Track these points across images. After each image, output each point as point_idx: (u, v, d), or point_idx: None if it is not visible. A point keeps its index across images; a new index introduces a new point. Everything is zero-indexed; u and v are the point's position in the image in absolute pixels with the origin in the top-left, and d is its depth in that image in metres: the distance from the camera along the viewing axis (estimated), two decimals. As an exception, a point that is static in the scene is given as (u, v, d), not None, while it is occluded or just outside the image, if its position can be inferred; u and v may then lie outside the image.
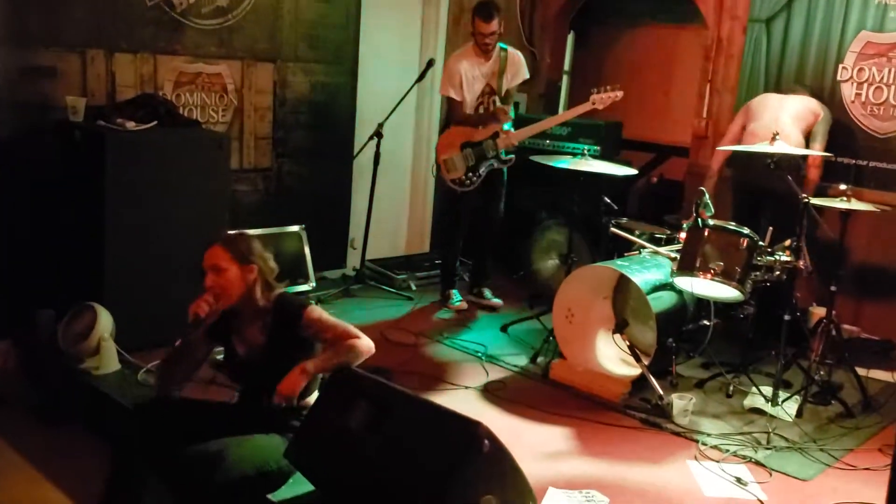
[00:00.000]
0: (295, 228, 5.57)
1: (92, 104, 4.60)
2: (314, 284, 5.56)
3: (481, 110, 5.42)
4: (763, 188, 4.98)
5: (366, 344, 3.10)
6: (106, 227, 4.23)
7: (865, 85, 5.41)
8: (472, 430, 2.72)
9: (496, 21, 5.24)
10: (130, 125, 4.37)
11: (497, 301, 5.66)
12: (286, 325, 3.08)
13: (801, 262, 4.19)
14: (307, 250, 5.56)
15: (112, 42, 4.75)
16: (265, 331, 3.12)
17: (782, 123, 5.05)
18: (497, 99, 5.42)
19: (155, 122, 4.50)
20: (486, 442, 2.71)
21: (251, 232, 5.08)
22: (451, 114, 5.49)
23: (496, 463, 2.79)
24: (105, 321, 4.15)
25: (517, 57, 5.48)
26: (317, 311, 3.12)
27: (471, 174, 5.36)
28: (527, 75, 5.55)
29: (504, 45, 5.44)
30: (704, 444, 3.90)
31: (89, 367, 4.12)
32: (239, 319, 3.16)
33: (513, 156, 5.42)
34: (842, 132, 5.44)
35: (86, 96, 4.61)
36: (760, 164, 4.53)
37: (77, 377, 4.09)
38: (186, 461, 2.88)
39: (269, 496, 3.06)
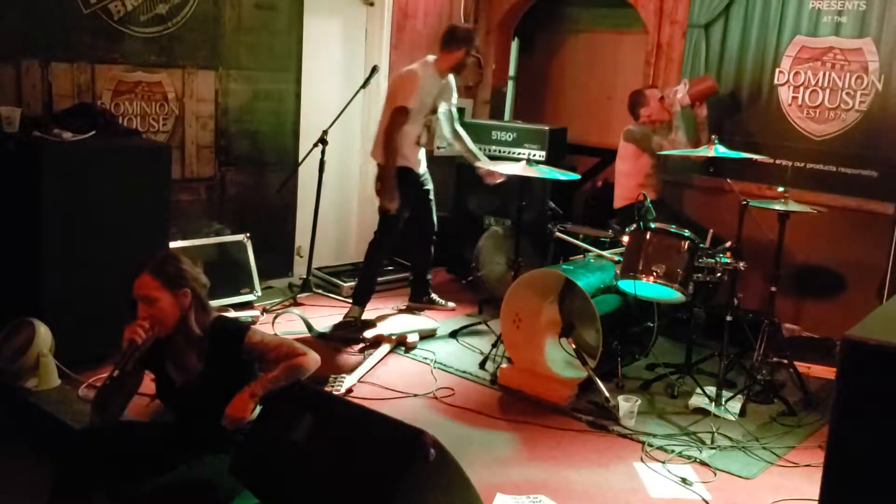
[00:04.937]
0: (240, 237, 5.53)
1: (28, 114, 4.50)
2: (259, 294, 5.52)
3: (424, 128, 5.35)
4: None
5: (312, 359, 3.05)
6: (43, 240, 4.13)
7: (801, 88, 5.52)
8: (417, 439, 2.71)
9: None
10: (67, 136, 4.27)
11: (450, 304, 5.67)
12: (225, 351, 3.01)
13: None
14: (252, 259, 5.52)
15: (48, 51, 4.66)
16: (202, 356, 3.02)
17: None
18: (433, 119, 5.43)
19: (93, 133, 4.40)
20: (432, 451, 2.70)
21: (183, 244, 5.06)
22: (396, 123, 5.21)
23: (442, 471, 2.78)
24: (44, 336, 4.05)
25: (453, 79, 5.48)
26: (258, 333, 3.06)
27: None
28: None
29: None
30: (650, 445, 3.95)
31: (29, 384, 4.02)
32: (172, 345, 3.02)
33: None
34: (779, 135, 5.56)
35: (21, 106, 4.50)
36: None
37: (16, 394, 4.00)
38: (148, 492, 2.79)
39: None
